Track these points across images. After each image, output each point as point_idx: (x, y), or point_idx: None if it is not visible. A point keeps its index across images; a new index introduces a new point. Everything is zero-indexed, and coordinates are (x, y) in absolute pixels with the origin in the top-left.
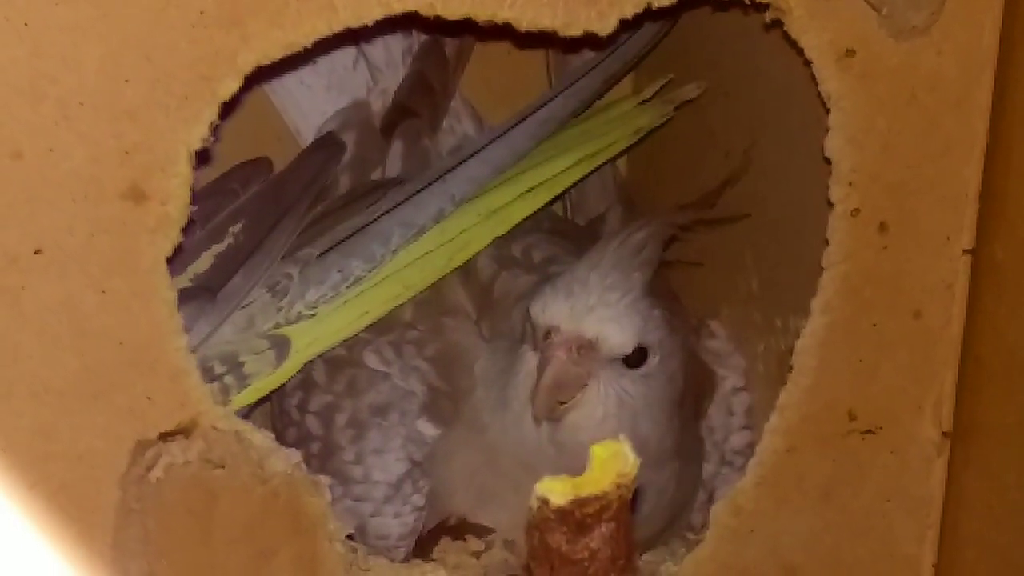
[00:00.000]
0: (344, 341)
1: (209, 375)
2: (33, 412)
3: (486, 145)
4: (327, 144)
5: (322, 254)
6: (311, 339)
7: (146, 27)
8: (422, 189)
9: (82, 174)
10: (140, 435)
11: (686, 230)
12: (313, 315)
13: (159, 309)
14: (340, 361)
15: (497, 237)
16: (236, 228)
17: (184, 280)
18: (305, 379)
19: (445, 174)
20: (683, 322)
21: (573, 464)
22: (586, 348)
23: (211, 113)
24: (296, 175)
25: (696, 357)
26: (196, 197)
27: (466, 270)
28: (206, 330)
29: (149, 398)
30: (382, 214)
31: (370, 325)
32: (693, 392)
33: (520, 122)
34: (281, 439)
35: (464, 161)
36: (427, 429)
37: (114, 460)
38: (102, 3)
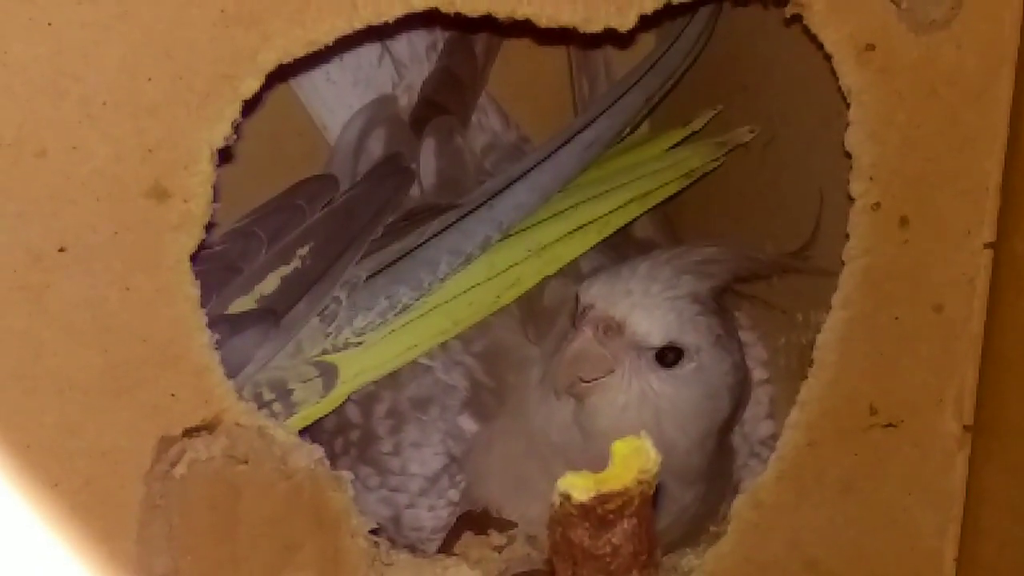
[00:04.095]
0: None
1: (258, 401)
2: (57, 409)
3: (530, 170)
4: (397, 171)
5: (369, 277)
6: (358, 369)
7: (167, 25)
8: (468, 214)
9: (105, 172)
10: (164, 431)
11: (769, 275)
12: (360, 343)
13: (182, 306)
14: None
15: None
16: (304, 251)
17: (250, 301)
18: None
19: (491, 199)
20: (742, 353)
21: (601, 453)
22: (614, 331)
23: (233, 111)
24: (366, 202)
25: (748, 386)
26: (262, 211)
27: None
28: (268, 356)
29: (173, 395)
30: (429, 239)
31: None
32: (736, 417)
33: (564, 144)
34: (317, 427)
35: (509, 186)
36: (468, 425)
37: (138, 456)
38: (124, 2)
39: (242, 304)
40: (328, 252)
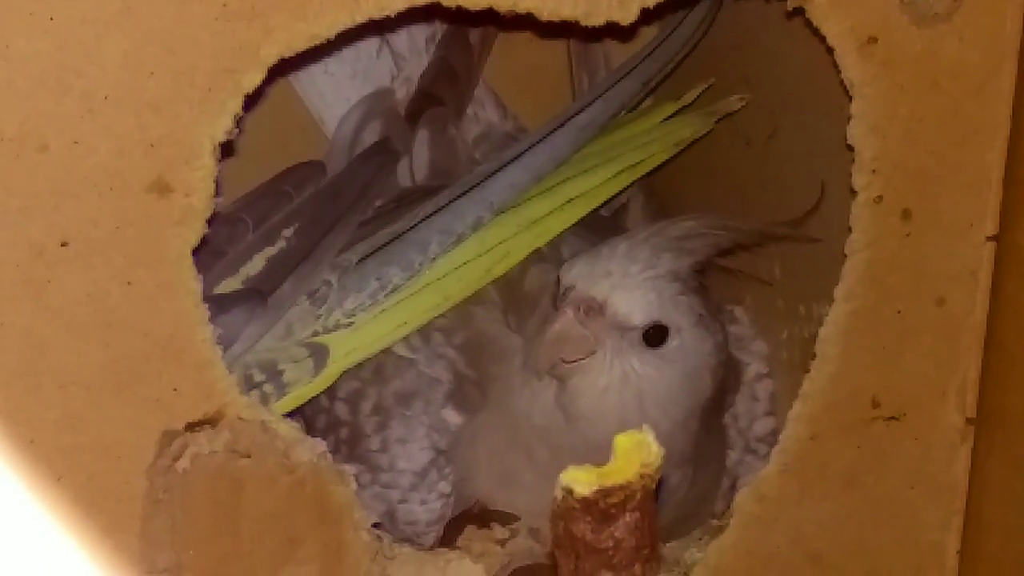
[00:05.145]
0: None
1: (249, 383)
2: (60, 404)
3: (524, 151)
4: (381, 151)
5: (360, 260)
6: (349, 348)
7: (169, 20)
8: (460, 196)
9: (107, 167)
10: (166, 426)
11: (755, 246)
12: (351, 323)
13: (184, 300)
14: None
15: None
16: (289, 232)
17: (236, 282)
18: None
19: (483, 181)
20: (724, 333)
21: (584, 435)
22: (595, 311)
23: (235, 105)
24: (350, 182)
25: (734, 372)
26: (250, 197)
27: None
28: (255, 335)
29: (175, 389)
30: (420, 221)
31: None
32: (721, 400)
33: (558, 127)
34: (310, 426)
35: (502, 168)
36: (452, 417)
37: (141, 451)
38: None
39: (228, 286)
40: (313, 232)
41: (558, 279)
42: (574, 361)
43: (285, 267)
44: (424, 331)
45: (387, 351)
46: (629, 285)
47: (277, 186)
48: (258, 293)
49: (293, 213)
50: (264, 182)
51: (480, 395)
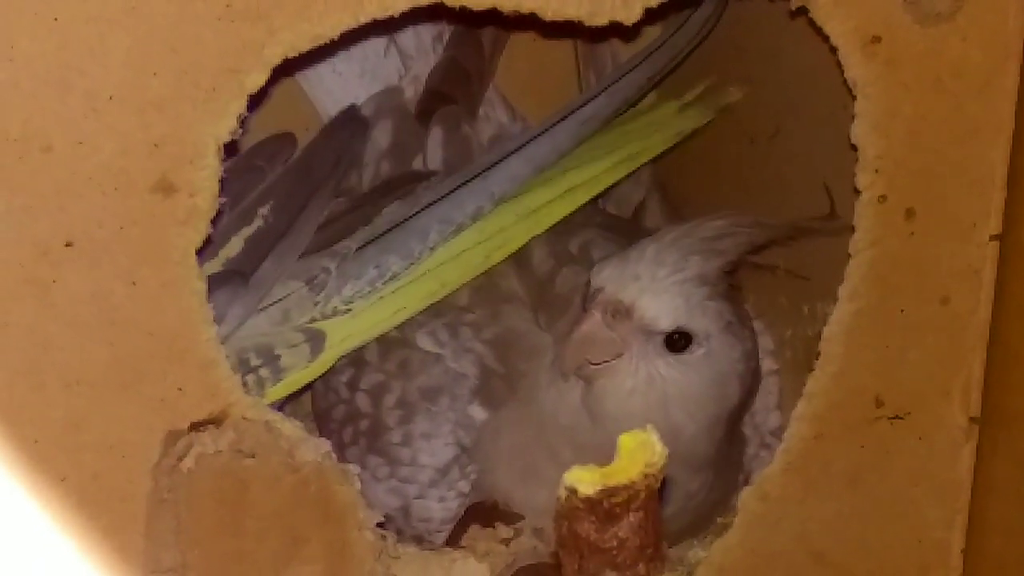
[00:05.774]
0: (379, 336)
1: (245, 367)
2: (65, 403)
3: (527, 143)
4: (350, 121)
5: (360, 248)
6: (346, 334)
7: (173, 20)
8: (461, 186)
9: (111, 167)
10: (171, 425)
11: (787, 241)
12: (349, 310)
13: (189, 300)
14: (393, 341)
15: (551, 232)
16: (265, 210)
17: (216, 264)
18: (357, 357)
19: (485, 171)
20: (753, 340)
21: (609, 436)
22: (622, 314)
23: (239, 105)
24: (322, 154)
25: (758, 376)
26: (223, 183)
27: (520, 262)
28: (240, 315)
29: (180, 388)
30: (420, 210)
31: (425, 308)
32: (746, 405)
33: (561, 120)
34: (326, 417)
35: (504, 159)
36: (478, 413)
37: (145, 450)
38: None
39: (208, 269)
40: (290, 207)
41: (588, 281)
42: (601, 363)
43: (264, 246)
44: (452, 326)
45: (412, 346)
46: (657, 289)
47: (250, 161)
48: (239, 274)
49: (268, 190)
50: (234, 159)
51: (507, 390)
